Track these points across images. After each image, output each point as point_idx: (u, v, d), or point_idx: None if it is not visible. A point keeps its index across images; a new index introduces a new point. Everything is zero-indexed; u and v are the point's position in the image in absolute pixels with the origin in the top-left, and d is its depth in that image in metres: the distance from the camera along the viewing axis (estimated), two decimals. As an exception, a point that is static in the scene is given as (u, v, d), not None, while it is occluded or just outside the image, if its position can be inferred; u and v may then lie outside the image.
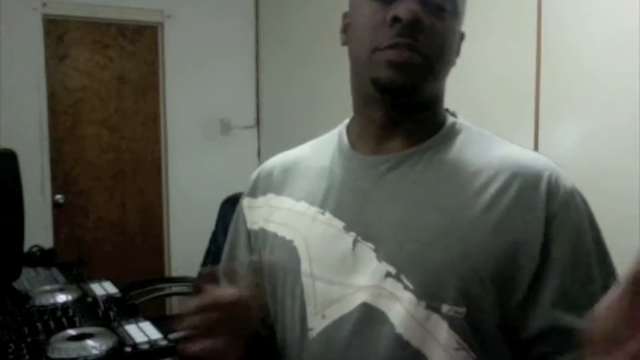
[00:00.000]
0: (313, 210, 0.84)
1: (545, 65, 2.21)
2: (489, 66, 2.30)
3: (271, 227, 0.88)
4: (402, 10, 0.73)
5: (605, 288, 0.72)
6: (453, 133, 0.83)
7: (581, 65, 2.10)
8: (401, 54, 0.74)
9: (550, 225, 0.73)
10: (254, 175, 0.97)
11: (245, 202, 0.95)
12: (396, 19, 0.74)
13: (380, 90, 0.77)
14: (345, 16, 0.85)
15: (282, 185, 0.91)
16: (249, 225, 0.92)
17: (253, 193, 0.94)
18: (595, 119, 2.08)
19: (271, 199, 0.91)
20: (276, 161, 0.95)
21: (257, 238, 0.90)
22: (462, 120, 0.85)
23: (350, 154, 0.85)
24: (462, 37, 0.84)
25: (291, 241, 0.85)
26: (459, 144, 0.81)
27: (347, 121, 0.90)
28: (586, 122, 2.12)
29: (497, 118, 2.17)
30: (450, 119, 0.84)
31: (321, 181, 0.86)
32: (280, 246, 0.86)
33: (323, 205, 0.84)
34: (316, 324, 0.80)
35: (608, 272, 0.75)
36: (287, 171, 0.92)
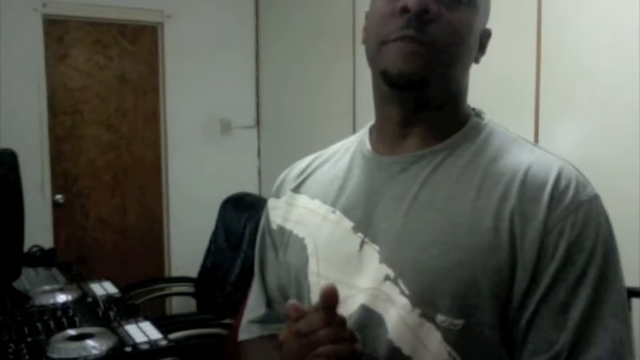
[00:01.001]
0: (325, 208, 0.84)
1: (545, 65, 2.21)
2: (489, 66, 2.30)
3: (288, 225, 0.89)
4: (411, 1, 0.72)
5: (585, 318, 0.68)
6: (473, 134, 0.80)
7: (581, 65, 2.10)
8: (407, 46, 0.73)
9: (546, 238, 0.69)
10: (280, 176, 0.97)
11: (270, 202, 0.96)
12: (404, 10, 0.73)
13: (389, 83, 0.76)
14: (366, 16, 0.84)
15: (302, 184, 0.91)
16: (272, 225, 0.93)
17: (277, 193, 0.95)
18: (595, 119, 2.08)
19: (290, 197, 0.91)
20: (302, 162, 0.96)
21: (277, 237, 0.92)
22: (486, 120, 0.83)
23: (368, 154, 0.84)
24: (487, 34, 0.82)
25: (302, 239, 0.85)
26: (476, 146, 0.78)
27: (371, 123, 0.89)
28: (586, 122, 2.12)
29: (497, 118, 2.16)
30: (473, 120, 0.82)
31: (337, 181, 0.86)
32: (293, 244, 0.87)
33: (335, 204, 0.84)
34: None
35: (598, 299, 0.69)
36: (310, 171, 0.92)
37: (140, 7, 3.62)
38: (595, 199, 0.72)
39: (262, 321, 0.94)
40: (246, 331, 0.96)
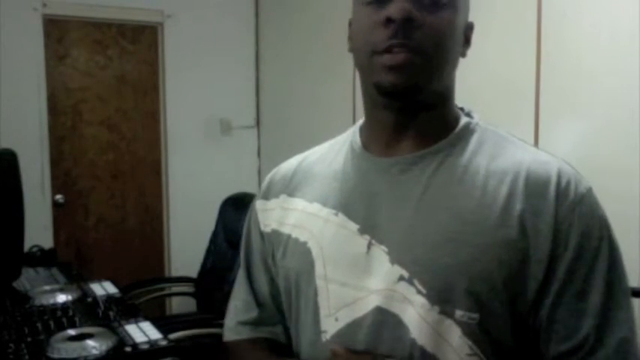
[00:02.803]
0: (326, 211, 0.84)
1: (545, 65, 2.21)
2: (489, 65, 2.30)
3: (285, 229, 0.88)
4: (394, 10, 0.73)
5: (604, 301, 0.72)
6: (467, 133, 0.81)
7: (581, 65, 2.10)
8: (397, 57, 0.74)
9: (558, 232, 0.72)
10: (267, 178, 0.97)
11: (258, 204, 0.95)
12: (389, 20, 0.74)
13: (383, 94, 0.77)
14: (350, 23, 0.85)
15: (296, 187, 0.90)
16: (262, 227, 0.92)
17: (266, 195, 0.94)
18: (595, 119, 2.08)
19: (284, 201, 0.90)
20: (289, 164, 0.95)
21: (270, 240, 0.91)
22: (477, 119, 0.84)
23: (362, 155, 0.85)
24: (470, 27, 0.82)
25: (304, 243, 0.84)
26: (473, 145, 0.80)
27: (360, 121, 0.89)
28: (586, 122, 2.12)
29: (497, 118, 2.15)
30: (464, 119, 0.83)
31: (334, 183, 0.86)
32: (294, 247, 0.86)
33: (336, 207, 0.83)
34: (329, 326, 0.80)
35: (611, 283, 0.73)
36: (300, 173, 0.92)
37: (140, 7, 3.62)
38: (591, 190, 0.77)
39: (254, 323, 0.94)
40: (235, 332, 0.95)
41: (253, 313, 0.94)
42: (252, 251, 0.95)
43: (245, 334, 0.94)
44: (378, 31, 0.75)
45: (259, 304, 0.94)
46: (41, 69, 3.36)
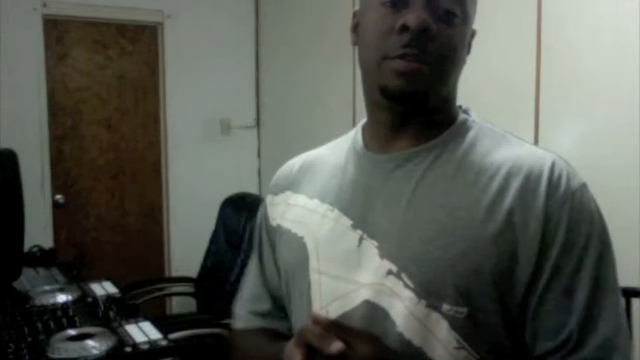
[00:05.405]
0: (324, 207, 0.86)
1: (545, 65, 2.21)
2: (489, 65, 2.30)
3: (286, 224, 0.90)
4: (411, 19, 0.73)
5: (590, 299, 0.72)
6: (463, 130, 0.82)
7: (581, 65, 2.10)
8: (409, 64, 0.74)
9: (547, 226, 0.72)
10: (277, 173, 0.99)
11: (268, 199, 0.97)
12: (404, 28, 0.74)
13: (388, 98, 0.78)
14: (355, 14, 0.85)
15: (300, 183, 0.92)
16: (270, 221, 0.95)
17: (274, 190, 0.96)
18: (595, 119, 2.08)
19: (289, 196, 0.93)
20: (297, 160, 0.97)
21: (275, 234, 0.93)
22: (474, 116, 0.85)
23: (362, 152, 0.86)
24: (472, 34, 0.83)
25: (301, 238, 0.86)
26: (468, 142, 0.81)
27: (364, 120, 0.90)
28: (586, 122, 2.12)
29: (497, 118, 2.15)
30: (461, 116, 0.84)
31: (334, 179, 0.88)
32: (292, 242, 0.88)
33: (333, 203, 0.85)
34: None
35: (598, 280, 0.73)
36: (305, 169, 0.94)
37: (140, 7, 3.62)
38: (584, 186, 0.76)
39: (264, 314, 0.96)
40: (246, 321, 0.97)
41: (264, 305, 0.96)
42: (264, 243, 0.97)
43: (256, 323, 0.96)
44: (391, 36, 0.75)
45: (271, 295, 0.96)
46: (41, 69, 3.36)
